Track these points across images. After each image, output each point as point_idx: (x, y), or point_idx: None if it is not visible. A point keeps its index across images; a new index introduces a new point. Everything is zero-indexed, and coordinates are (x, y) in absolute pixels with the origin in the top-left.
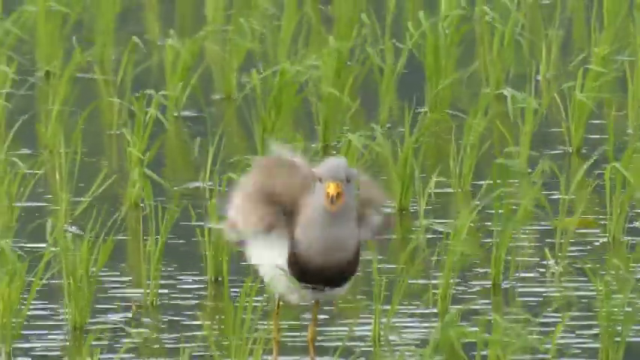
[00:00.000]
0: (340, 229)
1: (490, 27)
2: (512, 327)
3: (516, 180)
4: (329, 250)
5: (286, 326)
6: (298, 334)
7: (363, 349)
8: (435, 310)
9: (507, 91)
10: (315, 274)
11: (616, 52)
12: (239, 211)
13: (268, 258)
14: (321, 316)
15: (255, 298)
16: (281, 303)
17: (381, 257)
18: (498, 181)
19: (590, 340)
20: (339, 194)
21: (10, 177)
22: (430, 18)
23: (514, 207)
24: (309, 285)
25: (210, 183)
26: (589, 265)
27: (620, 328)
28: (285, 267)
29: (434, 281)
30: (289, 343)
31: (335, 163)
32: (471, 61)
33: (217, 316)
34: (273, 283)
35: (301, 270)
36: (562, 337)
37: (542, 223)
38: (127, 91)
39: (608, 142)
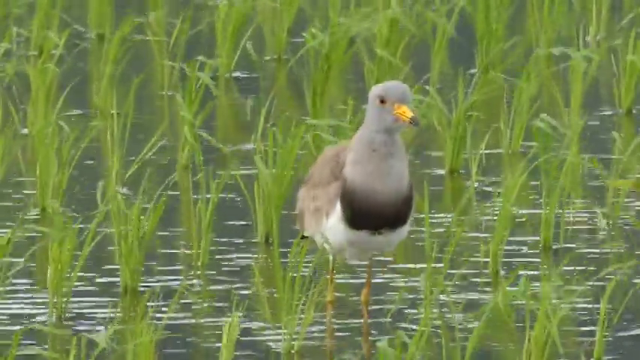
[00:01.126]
0: (393, 160)
1: None
2: (562, 288)
3: (562, 141)
4: (386, 182)
5: (340, 289)
6: (354, 295)
7: (414, 310)
8: (486, 271)
9: (557, 51)
10: (370, 213)
11: None
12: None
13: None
14: (374, 281)
15: (306, 260)
16: (336, 264)
17: (432, 218)
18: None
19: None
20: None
21: (61, 139)
22: None
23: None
24: (365, 229)
25: (262, 144)
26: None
27: None
28: (340, 216)
29: (485, 238)
30: (342, 305)
31: (402, 85)
32: (522, 23)
33: (268, 276)
34: (329, 238)
35: (359, 212)
36: (612, 297)
37: (594, 183)
38: (179, 54)
39: None
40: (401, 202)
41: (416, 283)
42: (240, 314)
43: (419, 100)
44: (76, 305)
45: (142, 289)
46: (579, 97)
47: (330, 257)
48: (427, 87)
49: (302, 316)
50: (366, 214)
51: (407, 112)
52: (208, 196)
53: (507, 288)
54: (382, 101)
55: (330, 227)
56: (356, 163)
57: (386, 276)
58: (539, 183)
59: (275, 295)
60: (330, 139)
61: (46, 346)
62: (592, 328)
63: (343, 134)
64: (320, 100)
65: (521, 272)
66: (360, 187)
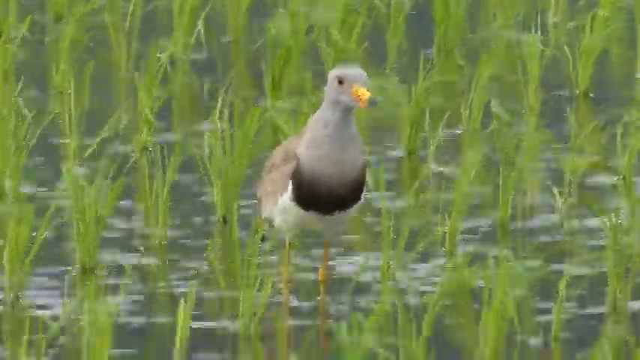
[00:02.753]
0: (346, 145)
1: None
2: (518, 266)
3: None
4: (336, 166)
5: (296, 268)
6: (310, 274)
7: (371, 290)
8: (443, 250)
9: (516, 34)
10: (321, 195)
11: None
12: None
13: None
14: (332, 263)
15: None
16: (291, 243)
17: (389, 199)
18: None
19: (600, 275)
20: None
21: (19, 119)
22: None
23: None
24: (317, 210)
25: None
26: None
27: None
28: (290, 196)
29: (442, 218)
30: (300, 284)
31: (359, 68)
32: (481, 3)
33: (225, 255)
34: (282, 218)
35: (309, 193)
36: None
37: (551, 165)
38: (135, 34)
39: (616, 88)
40: (353, 186)
41: (375, 262)
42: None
43: (376, 83)
44: (33, 284)
45: (99, 267)
46: (536, 79)
47: (286, 237)
48: (385, 69)
49: (259, 294)
50: (317, 196)
51: (364, 92)
52: (165, 176)
53: (464, 267)
54: (340, 82)
55: (282, 205)
56: (310, 145)
57: (344, 256)
58: (496, 161)
59: (232, 274)
60: (284, 126)
61: (1, 327)
62: (549, 305)
63: (300, 120)
64: (278, 84)
65: (477, 251)
66: (311, 170)
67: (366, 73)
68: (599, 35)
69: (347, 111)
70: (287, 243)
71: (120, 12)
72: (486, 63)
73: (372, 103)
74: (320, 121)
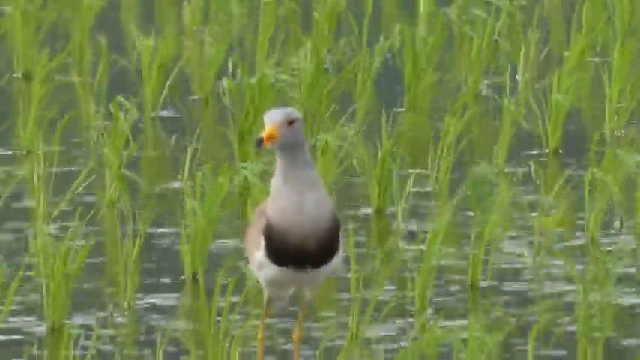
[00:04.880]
0: (305, 193)
1: (470, 28)
2: (489, 326)
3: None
4: (301, 215)
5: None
6: (281, 336)
7: (339, 346)
8: (413, 309)
9: (485, 90)
10: (293, 248)
11: (592, 54)
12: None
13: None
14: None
15: (234, 298)
16: (269, 303)
17: (358, 257)
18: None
19: (569, 337)
20: (270, 136)
21: None
22: (408, 19)
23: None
24: (291, 266)
25: (189, 183)
26: (566, 263)
27: (598, 325)
28: (264, 253)
29: (411, 277)
30: (273, 345)
31: (273, 110)
32: (450, 63)
33: (194, 316)
34: (260, 274)
35: (279, 248)
36: (539, 335)
37: (521, 223)
38: (103, 93)
39: (586, 145)
40: (322, 237)
41: (344, 319)
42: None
43: (340, 141)
44: (3, 344)
45: (68, 326)
46: (507, 138)
47: (265, 294)
48: (350, 125)
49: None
50: (286, 250)
51: (265, 132)
52: (135, 237)
53: (433, 327)
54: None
55: (259, 262)
56: (272, 198)
57: (314, 316)
58: (467, 221)
59: (202, 336)
60: (256, 183)
61: None
62: None
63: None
64: (246, 142)
65: (448, 313)
66: (275, 223)
67: (275, 112)
68: (566, 92)
69: (284, 153)
70: (265, 301)
71: (88, 71)
72: (455, 122)
73: (256, 144)
74: (276, 174)
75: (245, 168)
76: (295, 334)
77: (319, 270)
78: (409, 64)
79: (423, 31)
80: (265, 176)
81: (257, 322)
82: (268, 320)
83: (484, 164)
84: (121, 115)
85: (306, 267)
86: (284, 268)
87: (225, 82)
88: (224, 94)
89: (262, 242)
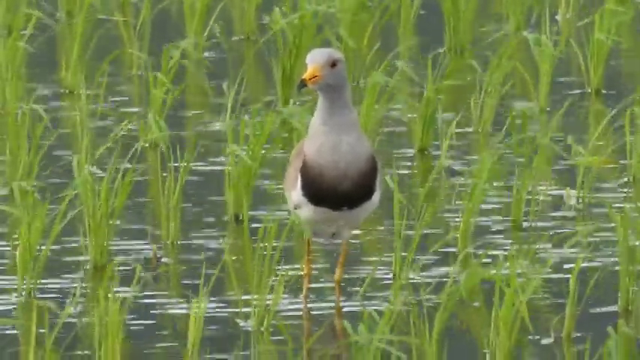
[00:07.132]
0: (342, 134)
1: None
2: (530, 265)
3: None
4: (337, 154)
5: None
6: (325, 276)
7: (384, 287)
8: (455, 250)
9: (527, 34)
10: (328, 187)
11: None
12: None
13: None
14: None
15: (277, 239)
16: (312, 239)
17: (401, 197)
18: (518, 121)
19: (612, 273)
20: (313, 77)
21: (32, 120)
22: None
23: (534, 148)
24: (326, 206)
25: (232, 123)
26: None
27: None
28: (301, 192)
29: (455, 220)
30: (315, 285)
31: (315, 50)
32: (491, 4)
33: (238, 255)
34: (298, 213)
35: (315, 187)
36: (580, 274)
37: (563, 162)
38: (146, 34)
39: (628, 85)
40: (357, 179)
41: (388, 258)
42: (208, 293)
43: (385, 80)
44: (45, 284)
45: (110, 265)
46: (548, 77)
47: (305, 233)
48: (397, 63)
49: (271, 295)
50: (322, 190)
51: (308, 73)
52: (177, 173)
53: (477, 266)
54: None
55: (296, 201)
56: (310, 137)
57: (357, 255)
58: (508, 162)
59: (244, 274)
60: (297, 126)
61: (15, 325)
62: (561, 300)
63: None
64: (289, 83)
65: (490, 251)
66: (313, 162)
67: (319, 52)
68: (608, 31)
69: (325, 94)
70: (307, 239)
71: (130, 11)
72: (497, 64)
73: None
74: (315, 113)
75: (287, 110)
76: (336, 275)
77: (355, 211)
78: (448, 2)
79: None
80: (308, 118)
81: (301, 261)
82: (312, 256)
83: (526, 103)
84: (166, 55)
85: (341, 207)
86: (320, 207)
87: (270, 19)
88: (270, 29)
89: (299, 181)
